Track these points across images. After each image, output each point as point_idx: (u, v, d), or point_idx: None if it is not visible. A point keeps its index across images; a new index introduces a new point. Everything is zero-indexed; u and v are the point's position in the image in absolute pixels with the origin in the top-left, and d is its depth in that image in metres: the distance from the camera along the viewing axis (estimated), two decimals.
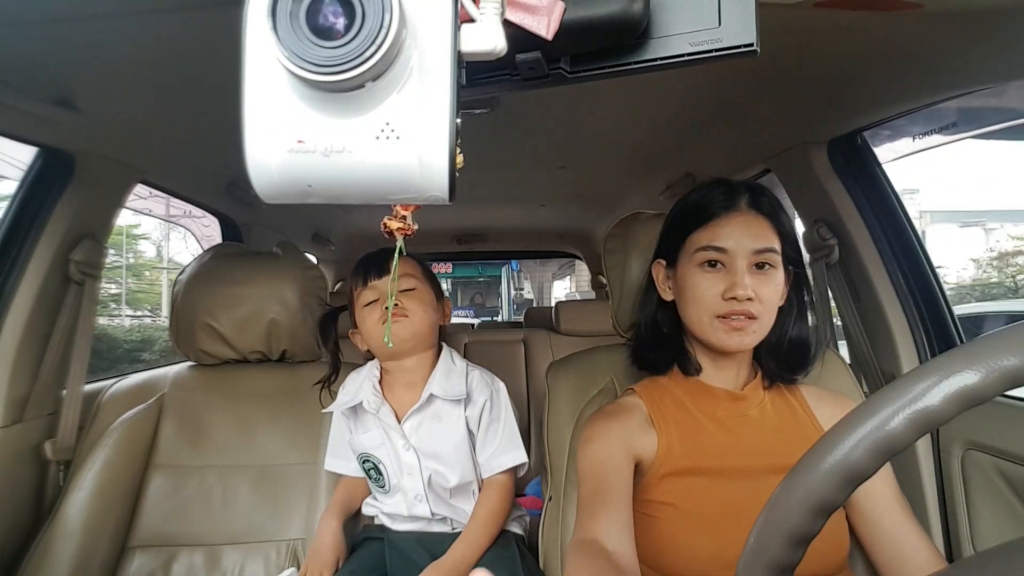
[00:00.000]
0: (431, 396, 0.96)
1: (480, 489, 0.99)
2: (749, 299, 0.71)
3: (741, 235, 0.72)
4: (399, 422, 0.96)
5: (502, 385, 1.03)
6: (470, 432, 0.98)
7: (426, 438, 0.96)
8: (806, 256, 1.20)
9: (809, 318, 0.79)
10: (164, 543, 1.03)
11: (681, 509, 0.70)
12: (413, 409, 0.96)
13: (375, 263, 0.98)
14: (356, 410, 1.00)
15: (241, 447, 1.10)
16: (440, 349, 1.04)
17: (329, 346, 1.10)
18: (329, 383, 1.09)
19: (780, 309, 0.76)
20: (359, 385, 1.01)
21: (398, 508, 0.98)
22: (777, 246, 0.73)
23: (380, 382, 1.01)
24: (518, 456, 0.98)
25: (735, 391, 0.78)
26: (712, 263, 0.73)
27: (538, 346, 2.22)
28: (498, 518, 0.95)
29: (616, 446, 0.74)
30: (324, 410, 1.05)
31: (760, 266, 0.73)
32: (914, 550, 0.67)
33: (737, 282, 0.70)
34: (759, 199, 0.75)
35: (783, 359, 0.78)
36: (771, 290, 0.72)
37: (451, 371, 1.00)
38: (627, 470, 0.73)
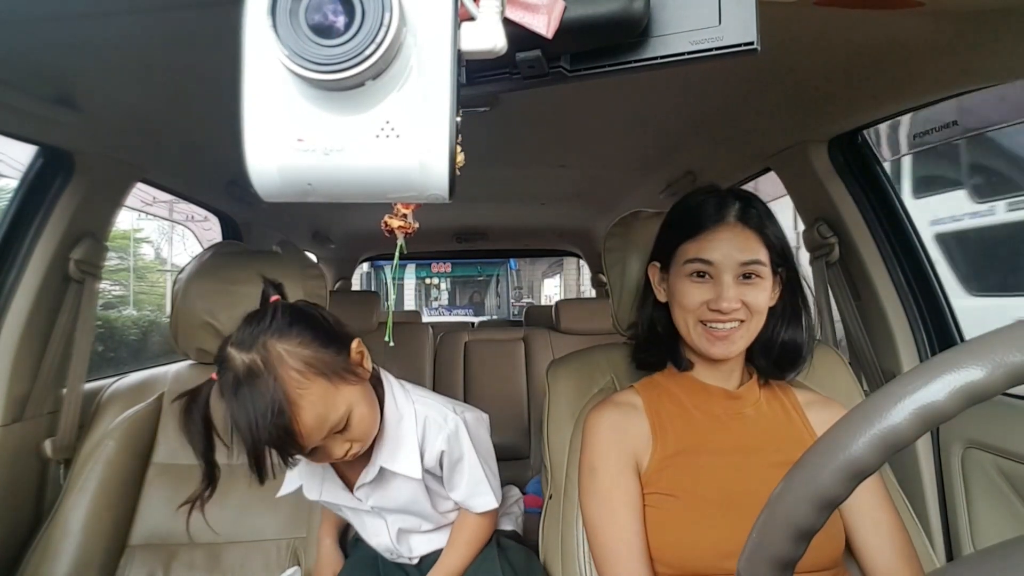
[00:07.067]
0: (382, 469, 0.84)
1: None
2: (735, 308, 0.73)
3: (728, 248, 0.74)
4: (352, 490, 0.87)
5: (460, 420, 0.87)
6: (435, 476, 0.89)
7: (386, 499, 0.88)
8: (805, 255, 1.20)
9: (803, 319, 0.80)
10: (164, 542, 1.03)
11: (681, 499, 0.72)
12: (363, 482, 0.85)
13: (278, 437, 0.71)
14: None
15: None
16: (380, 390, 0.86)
17: (199, 447, 0.74)
18: (202, 502, 0.76)
19: (771, 310, 0.78)
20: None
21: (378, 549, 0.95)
22: (763, 257, 0.75)
23: None
24: (487, 502, 0.89)
25: (731, 390, 0.80)
26: (700, 274, 0.75)
27: (538, 345, 2.22)
28: (477, 543, 0.92)
29: (622, 469, 0.75)
30: (279, 494, 0.89)
31: (747, 276, 0.74)
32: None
33: (723, 294, 0.73)
34: (748, 211, 0.76)
35: (774, 359, 0.80)
36: (759, 297, 0.74)
37: (400, 429, 0.84)
38: (635, 502, 0.74)
